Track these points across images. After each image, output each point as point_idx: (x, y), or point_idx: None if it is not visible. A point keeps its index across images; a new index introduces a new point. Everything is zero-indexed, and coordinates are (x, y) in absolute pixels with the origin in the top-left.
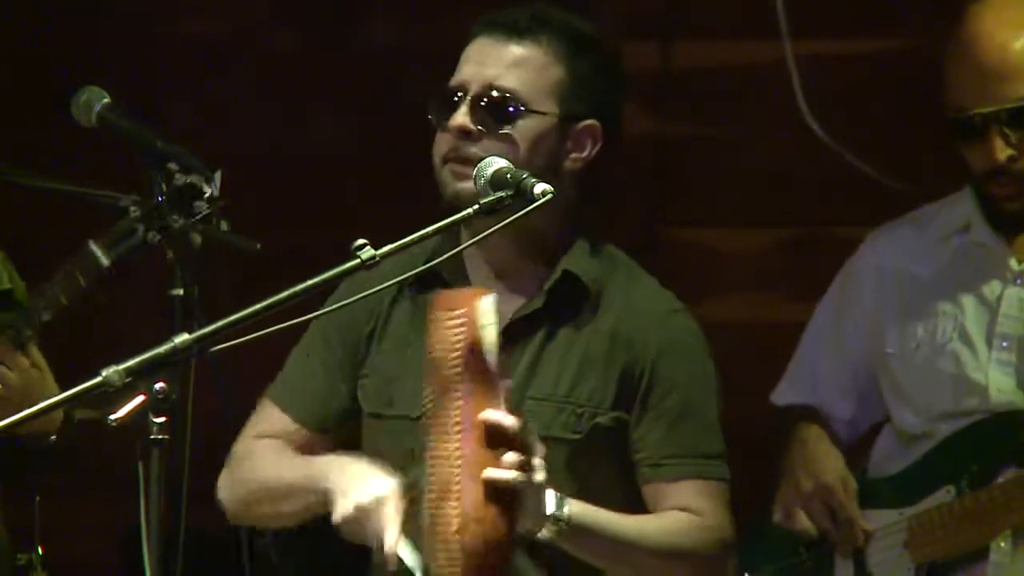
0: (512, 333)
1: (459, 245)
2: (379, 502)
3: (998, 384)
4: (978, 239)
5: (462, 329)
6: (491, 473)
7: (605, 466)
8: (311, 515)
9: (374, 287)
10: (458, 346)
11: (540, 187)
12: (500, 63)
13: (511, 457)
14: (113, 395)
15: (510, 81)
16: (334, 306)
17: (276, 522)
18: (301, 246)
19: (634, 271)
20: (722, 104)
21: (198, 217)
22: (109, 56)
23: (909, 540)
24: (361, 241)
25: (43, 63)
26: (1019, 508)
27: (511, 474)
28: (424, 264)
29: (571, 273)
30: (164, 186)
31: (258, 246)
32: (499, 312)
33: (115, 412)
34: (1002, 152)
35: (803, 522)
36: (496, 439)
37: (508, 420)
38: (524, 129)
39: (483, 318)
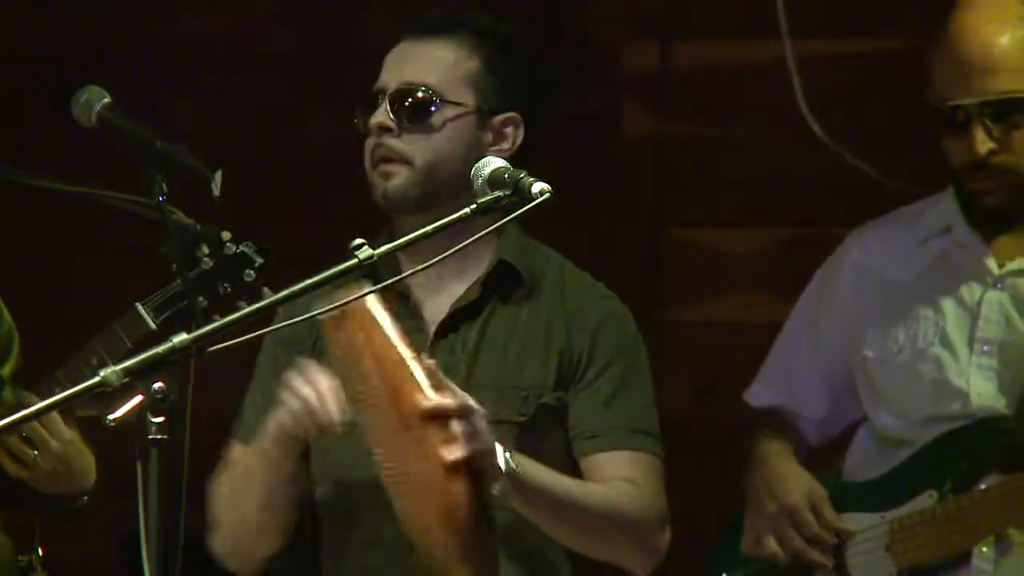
0: (451, 324)
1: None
2: (309, 381)
3: (979, 389)
4: (959, 239)
5: (360, 336)
6: (448, 455)
7: (552, 445)
8: (281, 498)
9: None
10: (363, 352)
11: (538, 186)
12: (415, 62)
13: (458, 428)
14: (111, 395)
15: (424, 76)
16: (311, 314)
17: (255, 531)
18: (300, 246)
19: (565, 262)
20: (722, 104)
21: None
22: (109, 56)
23: (891, 543)
24: (359, 241)
25: (43, 63)
26: (1001, 514)
27: (465, 447)
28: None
29: (506, 262)
30: (164, 185)
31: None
32: (441, 303)
33: (113, 412)
34: (983, 145)
35: (772, 548)
36: (438, 417)
37: (441, 400)
38: (442, 120)
39: (373, 311)
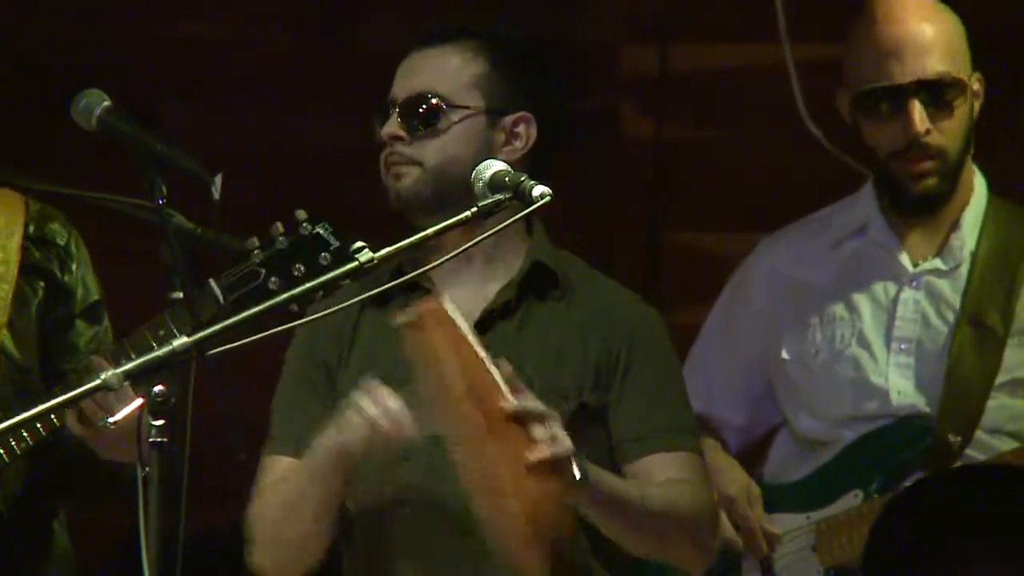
0: (485, 325)
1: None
2: (377, 401)
3: (898, 387)
4: (875, 237)
5: (440, 338)
6: (536, 459)
7: (592, 445)
8: (332, 513)
9: (340, 303)
10: (445, 355)
11: (539, 190)
12: (422, 70)
13: (540, 433)
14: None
15: (431, 83)
16: (311, 317)
17: (305, 547)
18: None
19: (588, 266)
20: (721, 107)
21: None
22: (109, 59)
23: (817, 543)
24: (359, 244)
25: (43, 66)
26: None
27: (549, 449)
28: (391, 277)
29: (541, 264)
30: (164, 188)
31: (257, 248)
32: (471, 304)
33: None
34: (922, 123)
35: None
36: (519, 423)
37: (523, 403)
38: (450, 125)
39: (451, 314)
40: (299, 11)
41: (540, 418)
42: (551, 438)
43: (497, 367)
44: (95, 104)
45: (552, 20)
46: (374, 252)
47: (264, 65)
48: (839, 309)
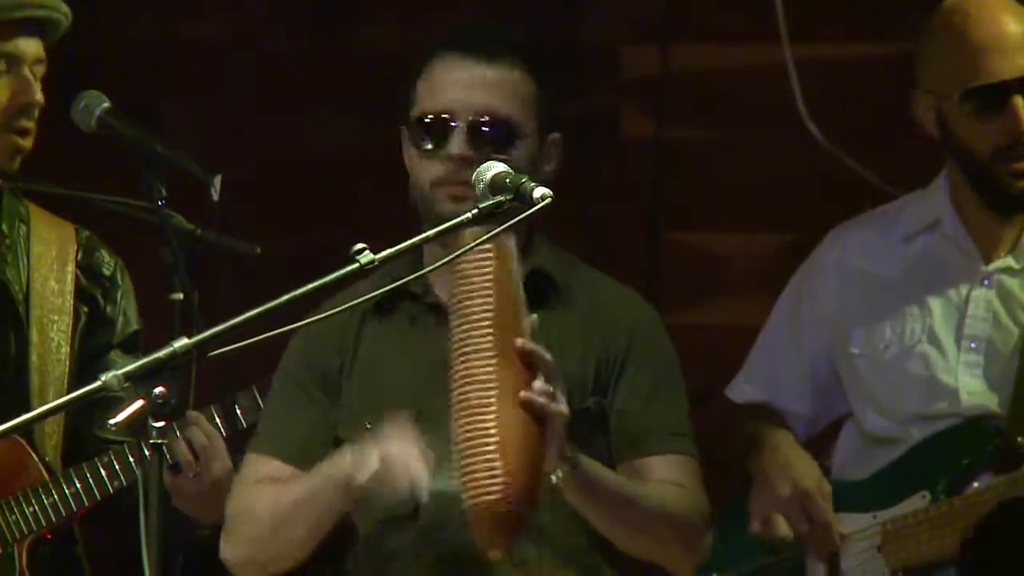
0: None
1: (421, 259)
2: (400, 443)
3: (968, 386)
4: (948, 233)
5: (491, 263)
6: (528, 396)
7: (592, 449)
8: (326, 528)
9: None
10: (487, 278)
11: (539, 191)
12: (484, 88)
13: (542, 385)
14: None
15: (500, 106)
16: (311, 319)
17: (291, 553)
18: (299, 247)
19: (590, 268)
20: (721, 107)
21: None
22: (109, 60)
23: (884, 544)
24: (360, 245)
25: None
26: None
27: (544, 400)
28: (391, 282)
29: (540, 271)
30: (163, 189)
31: (257, 249)
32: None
33: (114, 417)
34: None
35: (782, 528)
36: (528, 367)
37: (540, 350)
38: (517, 153)
39: (510, 256)
40: (299, 12)
41: (548, 371)
42: (550, 392)
43: (529, 318)
44: (95, 105)
45: (552, 21)
46: (375, 254)
47: (264, 65)
48: (910, 304)
